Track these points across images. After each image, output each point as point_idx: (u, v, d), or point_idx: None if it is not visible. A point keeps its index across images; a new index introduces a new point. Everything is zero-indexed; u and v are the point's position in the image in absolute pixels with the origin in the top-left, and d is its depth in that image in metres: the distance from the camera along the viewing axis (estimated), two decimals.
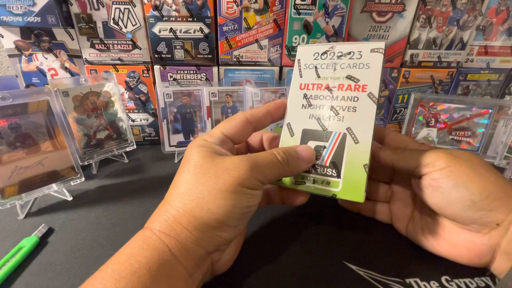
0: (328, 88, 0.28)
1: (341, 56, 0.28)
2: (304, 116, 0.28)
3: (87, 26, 0.45)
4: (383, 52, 0.26)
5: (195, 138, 0.49)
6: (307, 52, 0.29)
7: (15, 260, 0.27)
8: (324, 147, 0.27)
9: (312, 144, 0.27)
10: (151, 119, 0.52)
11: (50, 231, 0.32)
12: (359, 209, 0.33)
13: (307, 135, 0.28)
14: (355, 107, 0.26)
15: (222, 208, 0.21)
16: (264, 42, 0.47)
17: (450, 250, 0.26)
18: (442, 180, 0.24)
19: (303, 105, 0.28)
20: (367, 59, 0.27)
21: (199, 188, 0.22)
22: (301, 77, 0.29)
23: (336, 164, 0.26)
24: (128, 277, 0.19)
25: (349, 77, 0.27)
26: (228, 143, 0.26)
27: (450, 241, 0.26)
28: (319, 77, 0.28)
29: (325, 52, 0.28)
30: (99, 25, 0.45)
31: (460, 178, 0.24)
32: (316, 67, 0.29)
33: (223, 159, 0.23)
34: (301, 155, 0.26)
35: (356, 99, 0.26)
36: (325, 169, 0.27)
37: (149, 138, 0.54)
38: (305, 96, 0.28)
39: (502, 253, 0.23)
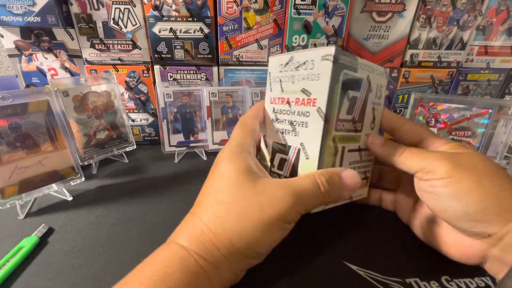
0: (288, 102, 0.27)
1: (298, 66, 0.26)
2: (274, 129, 0.29)
3: (87, 26, 0.45)
4: (331, 59, 0.24)
5: (195, 138, 0.49)
6: (274, 63, 0.29)
7: (15, 260, 0.27)
8: (286, 160, 0.28)
9: (278, 156, 0.29)
10: (151, 119, 0.52)
11: (50, 231, 0.32)
12: (367, 199, 0.34)
13: (275, 147, 0.29)
14: (307, 123, 0.26)
15: (261, 242, 0.22)
16: (264, 42, 0.47)
17: (441, 245, 0.27)
18: (440, 189, 0.24)
19: (272, 119, 0.29)
20: (318, 68, 0.25)
21: (241, 216, 0.21)
22: (271, 91, 0.29)
23: (292, 177, 0.27)
24: None
25: (303, 91, 0.26)
26: (254, 146, 0.27)
27: (442, 238, 0.27)
28: (282, 91, 0.28)
29: (287, 63, 0.27)
30: (99, 25, 0.45)
31: (459, 189, 0.23)
32: (280, 80, 0.28)
33: (264, 184, 0.23)
34: (346, 183, 0.25)
35: (308, 114, 0.26)
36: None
37: (149, 138, 0.54)
38: (273, 110, 0.29)
39: (493, 258, 0.23)
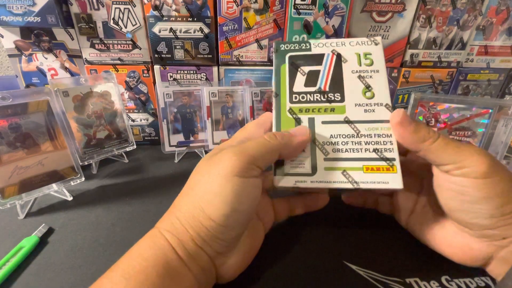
0: None
1: None
2: None
3: (87, 26, 0.45)
4: (275, 50, 0.30)
5: (195, 138, 0.49)
6: None
7: (15, 260, 0.27)
8: None
9: None
10: (151, 119, 0.52)
11: (50, 231, 0.32)
12: (363, 202, 0.33)
13: None
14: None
15: (213, 206, 0.21)
16: (264, 42, 0.47)
17: (444, 248, 0.26)
18: (472, 189, 0.22)
19: None
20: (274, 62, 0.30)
21: (195, 188, 0.22)
22: None
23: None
24: (136, 275, 0.19)
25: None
26: None
27: (447, 241, 0.26)
28: None
29: None
30: (99, 25, 0.45)
31: (492, 191, 0.21)
32: None
33: (218, 154, 0.23)
34: (292, 131, 0.25)
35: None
36: None
37: (149, 138, 0.54)
38: None
39: (499, 259, 0.23)
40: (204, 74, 0.49)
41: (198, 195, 0.22)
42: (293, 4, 0.44)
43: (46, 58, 0.47)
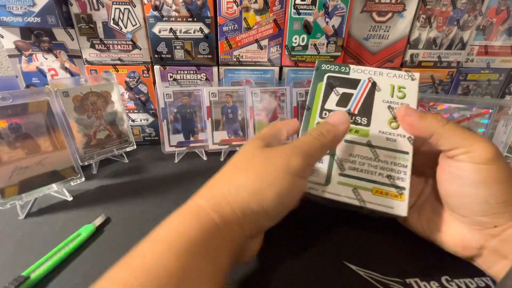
0: None
1: None
2: None
3: (87, 26, 0.45)
4: (315, 68, 0.32)
5: (195, 138, 0.49)
6: None
7: (72, 246, 0.29)
8: None
9: None
10: (151, 119, 0.52)
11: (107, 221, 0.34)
12: None
13: None
14: None
15: (265, 195, 0.21)
16: (264, 42, 0.47)
17: (437, 236, 0.27)
18: (472, 174, 0.23)
19: None
20: None
21: (247, 172, 0.22)
22: None
23: None
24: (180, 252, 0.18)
25: None
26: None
27: (441, 229, 0.27)
28: None
29: None
30: (99, 25, 0.45)
31: (491, 177, 0.22)
32: None
33: (275, 148, 0.24)
34: (331, 121, 0.26)
35: None
36: None
37: (149, 138, 0.54)
38: None
39: (490, 249, 0.24)
40: (204, 74, 0.49)
41: (250, 180, 0.22)
42: (293, 4, 0.44)
43: (46, 59, 0.47)
